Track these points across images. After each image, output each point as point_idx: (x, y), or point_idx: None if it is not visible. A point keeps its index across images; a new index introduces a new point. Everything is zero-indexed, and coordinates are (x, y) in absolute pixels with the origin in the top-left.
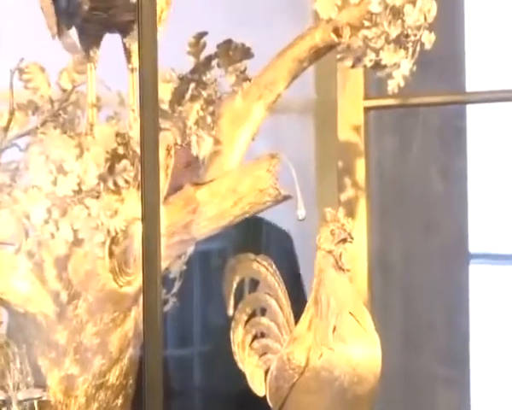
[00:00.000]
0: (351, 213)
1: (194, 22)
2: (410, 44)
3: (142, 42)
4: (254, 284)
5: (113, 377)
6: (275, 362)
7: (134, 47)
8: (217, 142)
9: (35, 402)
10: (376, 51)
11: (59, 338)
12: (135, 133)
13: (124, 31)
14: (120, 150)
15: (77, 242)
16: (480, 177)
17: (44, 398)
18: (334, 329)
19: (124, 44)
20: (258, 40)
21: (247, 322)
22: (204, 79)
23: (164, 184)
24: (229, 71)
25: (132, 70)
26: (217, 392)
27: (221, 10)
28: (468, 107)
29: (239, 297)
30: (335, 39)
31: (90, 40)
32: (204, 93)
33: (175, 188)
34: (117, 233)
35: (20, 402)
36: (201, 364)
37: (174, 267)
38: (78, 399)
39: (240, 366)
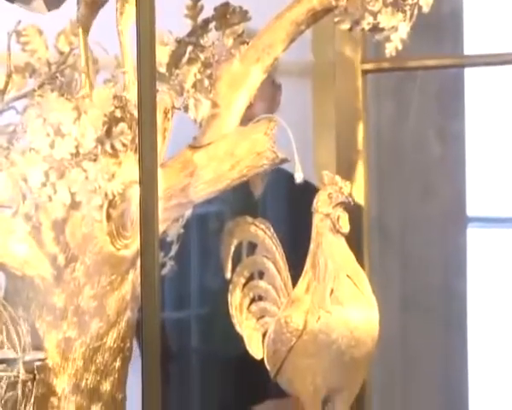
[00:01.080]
0: (348, 177)
1: None
2: (407, 7)
3: (139, 5)
4: (252, 247)
5: (110, 340)
6: (272, 325)
7: (126, 8)
8: (214, 105)
9: (20, 365)
10: (374, 14)
11: (56, 301)
12: (132, 96)
13: None
14: (118, 113)
15: (74, 205)
16: (478, 140)
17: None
18: (332, 292)
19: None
20: (256, 3)
21: (244, 285)
22: (201, 42)
23: (161, 148)
24: (227, 34)
25: (122, 32)
26: (214, 355)
27: None
28: (466, 70)
29: (237, 260)
30: (333, 2)
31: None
32: (201, 56)
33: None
34: (114, 196)
35: None
36: (199, 327)
37: (172, 231)
38: (76, 361)
39: (237, 329)
